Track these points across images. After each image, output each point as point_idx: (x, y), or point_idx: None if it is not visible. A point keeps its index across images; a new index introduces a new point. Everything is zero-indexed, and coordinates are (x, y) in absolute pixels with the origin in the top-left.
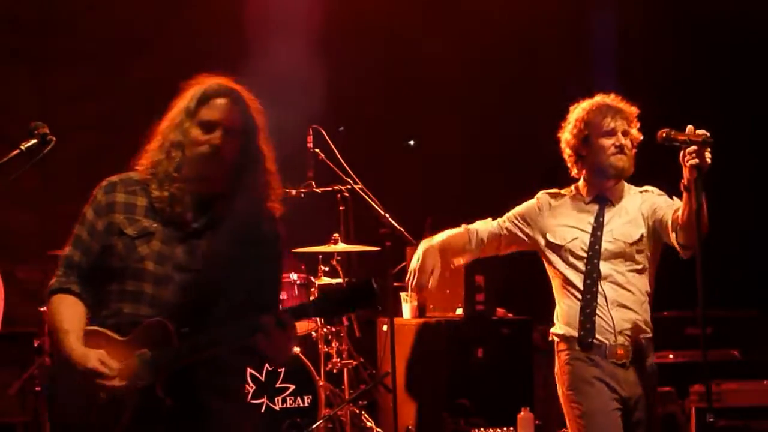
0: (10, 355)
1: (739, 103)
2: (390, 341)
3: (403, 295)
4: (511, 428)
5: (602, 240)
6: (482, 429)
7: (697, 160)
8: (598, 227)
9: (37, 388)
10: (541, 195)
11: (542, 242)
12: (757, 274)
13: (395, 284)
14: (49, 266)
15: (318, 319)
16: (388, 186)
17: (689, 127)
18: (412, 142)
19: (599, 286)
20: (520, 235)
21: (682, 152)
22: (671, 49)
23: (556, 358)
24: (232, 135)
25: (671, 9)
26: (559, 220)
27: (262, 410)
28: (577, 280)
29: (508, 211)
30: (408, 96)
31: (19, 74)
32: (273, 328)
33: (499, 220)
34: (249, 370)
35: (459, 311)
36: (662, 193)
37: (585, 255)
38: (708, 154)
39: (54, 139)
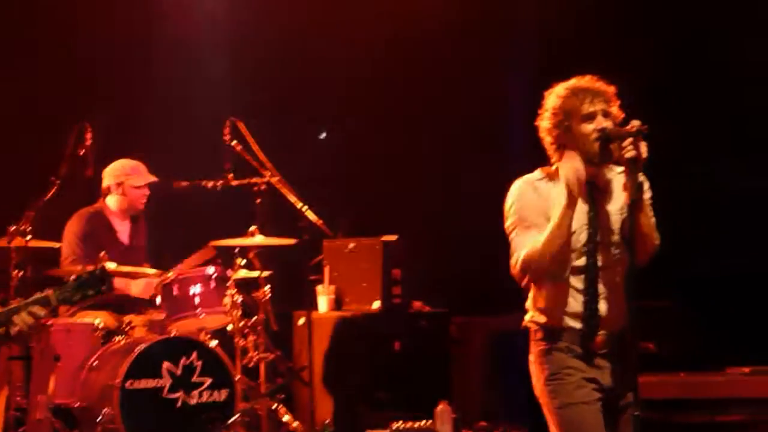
0: None
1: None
2: (307, 335)
3: (319, 288)
4: (430, 421)
5: (598, 232)
6: (400, 422)
7: (633, 152)
8: (593, 218)
9: None
10: (526, 181)
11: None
12: (668, 263)
13: (312, 277)
14: None
15: (235, 312)
16: (305, 179)
17: (631, 122)
18: (324, 135)
19: (598, 279)
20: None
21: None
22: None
23: (533, 347)
24: None
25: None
26: (553, 210)
27: (179, 405)
28: (572, 273)
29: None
30: (326, 89)
31: None
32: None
33: (521, 230)
34: (166, 365)
35: (376, 304)
36: None
37: (584, 248)
38: (644, 146)
39: None
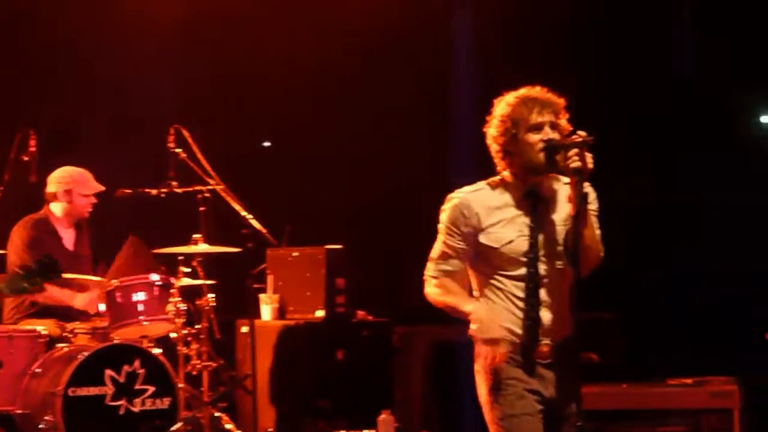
0: None
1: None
2: (250, 343)
3: (262, 296)
4: (372, 430)
5: (539, 241)
6: (343, 431)
7: (578, 163)
8: (535, 228)
9: None
10: (460, 197)
11: (473, 248)
12: (612, 274)
13: (255, 285)
14: None
15: (178, 320)
16: (249, 188)
17: (577, 133)
18: (267, 144)
19: (539, 289)
20: (466, 248)
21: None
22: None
23: (477, 357)
24: None
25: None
26: (491, 219)
27: (121, 412)
28: (511, 282)
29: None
30: (269, 97)
31: None
32: None
33: (443, 248)
34: (109, 372)
35: (319, 313)
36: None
37: (524, 258)
38: (589, 157)
39: None
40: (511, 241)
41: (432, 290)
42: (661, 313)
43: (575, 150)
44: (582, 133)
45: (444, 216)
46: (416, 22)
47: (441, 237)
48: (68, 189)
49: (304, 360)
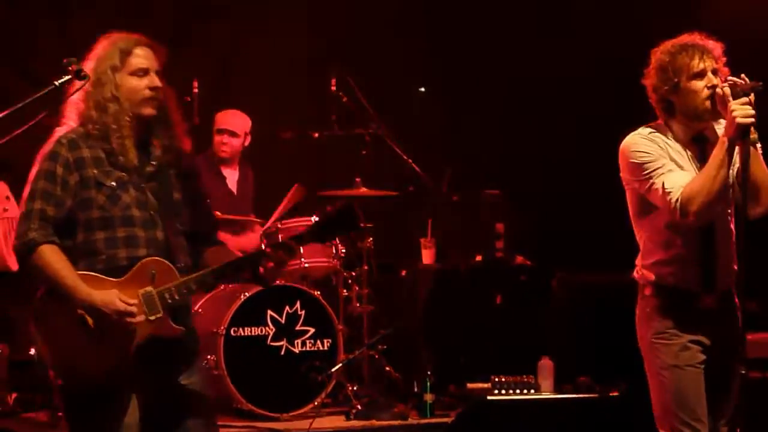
0: (28, 293)
1: None
2: (409, 286)
3: (422, 240)
4: (531, 376)
5: None
6: (501, 376)
7: (747, 111)
8: None
9: None
10: (647, 133)
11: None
12: None
13: (416, 229)
14: None
15: (338, 263)
16: (409, 131)
17: (742, 77)
18: (422, 89)
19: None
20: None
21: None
22: None
23: (641, 303)
24: (160, 77)
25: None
26: (674, 156)
27: (282, 353)
28: (686, 227)
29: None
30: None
31: (44, 19)
32: (281, 255)
33: (669, 178)
34: (270, 313)
35: (479, 258)
36: None
37: None
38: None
39: (89, 74)
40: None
41: (691, 192)
42: None
43: (744, 99)
44: (745, 78)
45: (638, 149)
46: None
47: (649, 169)
48: (217, 128)
49: (463, 304)
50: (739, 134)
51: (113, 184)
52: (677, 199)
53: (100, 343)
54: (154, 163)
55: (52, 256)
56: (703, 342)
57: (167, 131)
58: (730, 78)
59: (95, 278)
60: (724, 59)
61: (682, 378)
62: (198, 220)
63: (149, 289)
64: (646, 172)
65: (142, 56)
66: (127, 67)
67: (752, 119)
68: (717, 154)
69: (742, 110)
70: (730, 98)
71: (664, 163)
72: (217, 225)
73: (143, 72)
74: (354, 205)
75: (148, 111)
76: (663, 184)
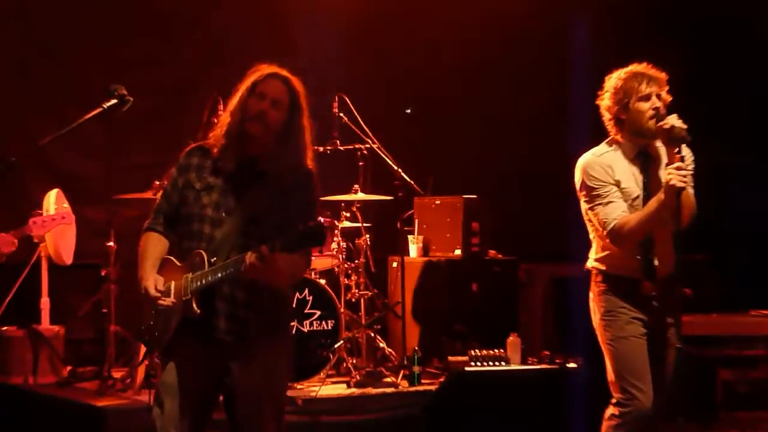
0: (80, 283)
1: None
2: (399, 276)
3: (410, 237)
4: (502, 350)
5: (651, 196)
6: (477, 350)
7: (677, 174)
8: (647, 183)
9: (103, 310)
10: (593, 163)
11: None
12: (706, 222)
13: (404, 228)
14: (113, 208)
15: (340, 256)
16: (398, 146)
17: (670, 119)
18: (409, 110)
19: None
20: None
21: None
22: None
23: (593, 287)
24: (278, 107)
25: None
26: (618, 175)
27: (293, 332)
28: None
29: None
30: (411, 74)
31: (88, 45)
32: (255, 261)
33: (605, 208)
34: None
35: (457, 252)
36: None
37: (640, 207)
38: (682, 125)
39: (131, 99)
40: (638, 197)
41: (620, 227)
42: (745, 256)
43: (679, 164)
44: (674, 122)
45: (586, 175)
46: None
47: (592, 196)
48: None
49: (444, 291)
50: (673, 195)
51: (200, 187)
52: (610, 230)
53: (155, 314)
54: (255, 173)
55: (146, 241)
56: (644, 320)
57: (283, 147)
58: (670, 119)
59: (170, 261)
60: (667, 87)
61: (628, 347)
62: (278, 228)
63: (189, 275)
64: (593, 194)
65: (268, 84)
66: (254, 91)
67: (684, 184)
68: (652, 206)
69: (676, 176)
70: (665, 158)
71: (608, 192)
72: (304, 237)
73: (261, 96)
74: (323, 226)
75: (253, 129)
76: (600, 213)
